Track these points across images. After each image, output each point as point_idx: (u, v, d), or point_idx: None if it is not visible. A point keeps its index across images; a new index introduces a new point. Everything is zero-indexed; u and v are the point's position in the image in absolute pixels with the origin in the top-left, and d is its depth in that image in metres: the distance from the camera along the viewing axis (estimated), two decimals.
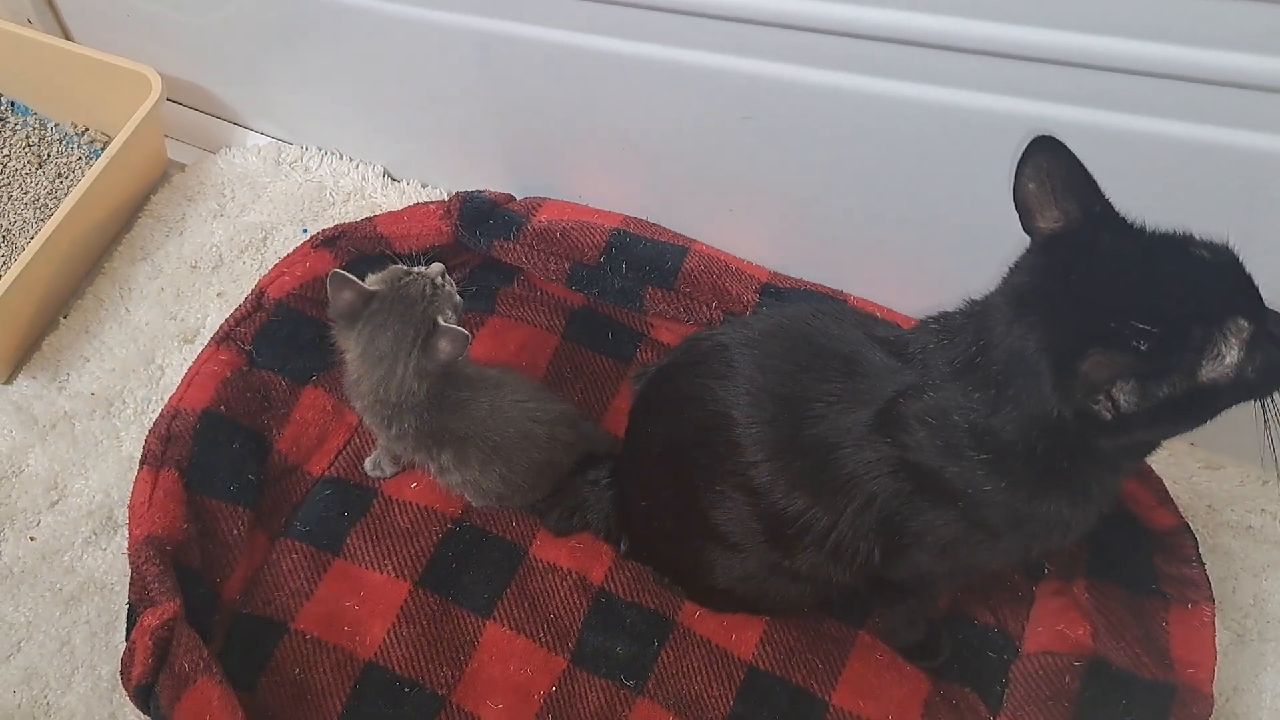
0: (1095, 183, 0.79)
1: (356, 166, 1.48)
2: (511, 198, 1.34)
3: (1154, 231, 0.78)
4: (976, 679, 1.10)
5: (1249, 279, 0.76)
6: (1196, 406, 0.75)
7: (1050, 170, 0.78)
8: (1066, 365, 0.73)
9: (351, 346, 1.07)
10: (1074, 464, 0.82)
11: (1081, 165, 0.78)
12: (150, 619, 1.01)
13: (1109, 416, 0.74)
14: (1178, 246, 0.77)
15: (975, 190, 1.06)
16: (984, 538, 0.89)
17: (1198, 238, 0.77)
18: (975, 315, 0.84)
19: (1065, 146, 0.78)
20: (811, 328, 0.94)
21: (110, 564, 1.20)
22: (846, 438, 0.88)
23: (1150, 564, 1.09)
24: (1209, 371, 0.72)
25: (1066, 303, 0.76)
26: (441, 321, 1.03)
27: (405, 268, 1.07)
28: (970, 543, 0.90)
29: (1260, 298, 0.76)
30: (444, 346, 1.03)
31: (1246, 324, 0.72)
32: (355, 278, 1.04)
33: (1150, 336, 0.70)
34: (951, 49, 0.95)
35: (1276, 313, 0.75)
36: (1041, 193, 0.79)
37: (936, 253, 1.16)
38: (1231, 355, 0.72)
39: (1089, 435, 0.77)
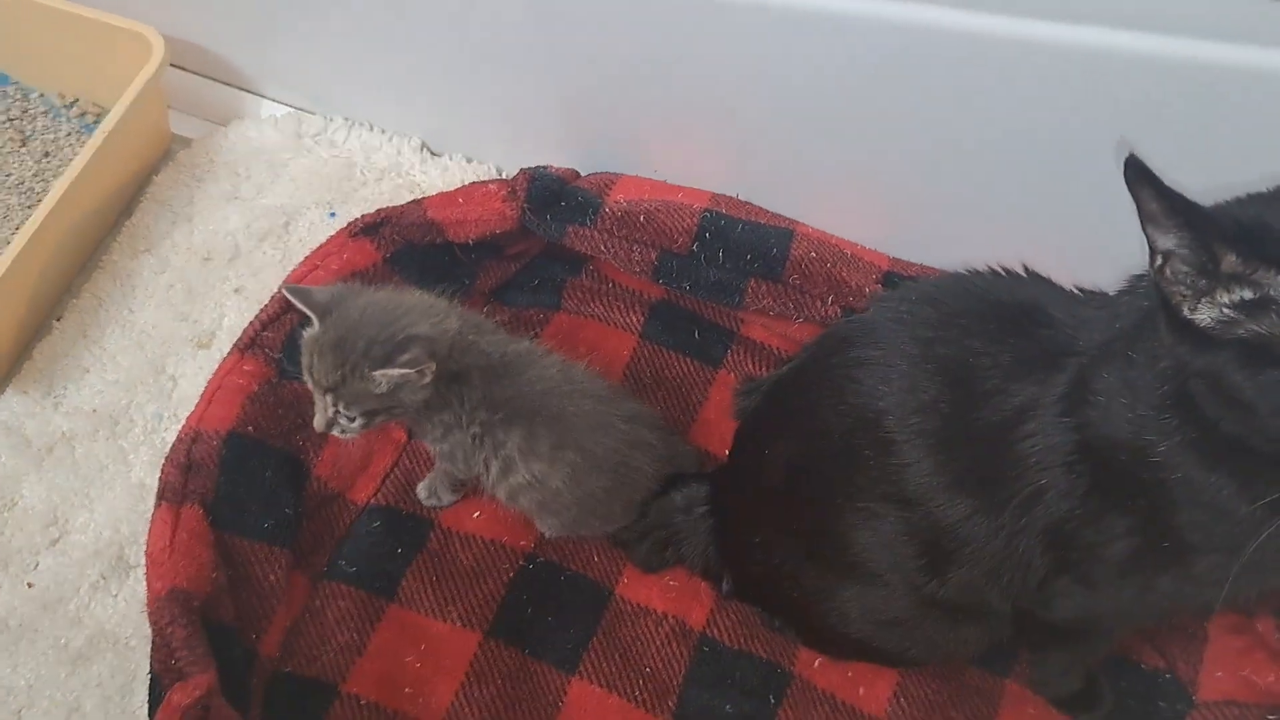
0: None
1: (390, 139, 1.38)
2: (576, 174, 1.21)
3: None
4: None
5: None
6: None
7: None
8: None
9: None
10: (1228, 416, 0.68)
11: None
12: (180, 697, 0.87)
13: (1186, 311, 0.64)
14: None
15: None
16: (1168, 557, 0.77)
17: None
18: None
19: None
20: (982, 284, 0.85)
21: (123, 614, 1.08)
22: (1026, 414, 0.77)
23: None
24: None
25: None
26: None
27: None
28: (1153, 564, 0.78)
29: None
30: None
31: None
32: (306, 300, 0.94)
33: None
34: None
35: None
36: None
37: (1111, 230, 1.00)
38: None
39: (1184, 346, 0.67)
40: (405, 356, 0.89)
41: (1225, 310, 0.63)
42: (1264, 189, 0.68)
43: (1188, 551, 0.75)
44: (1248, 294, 0.62)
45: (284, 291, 0.95)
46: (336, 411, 0.92)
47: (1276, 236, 0.61)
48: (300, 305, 0.93)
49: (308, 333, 0.93)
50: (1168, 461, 0.71)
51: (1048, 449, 0.76)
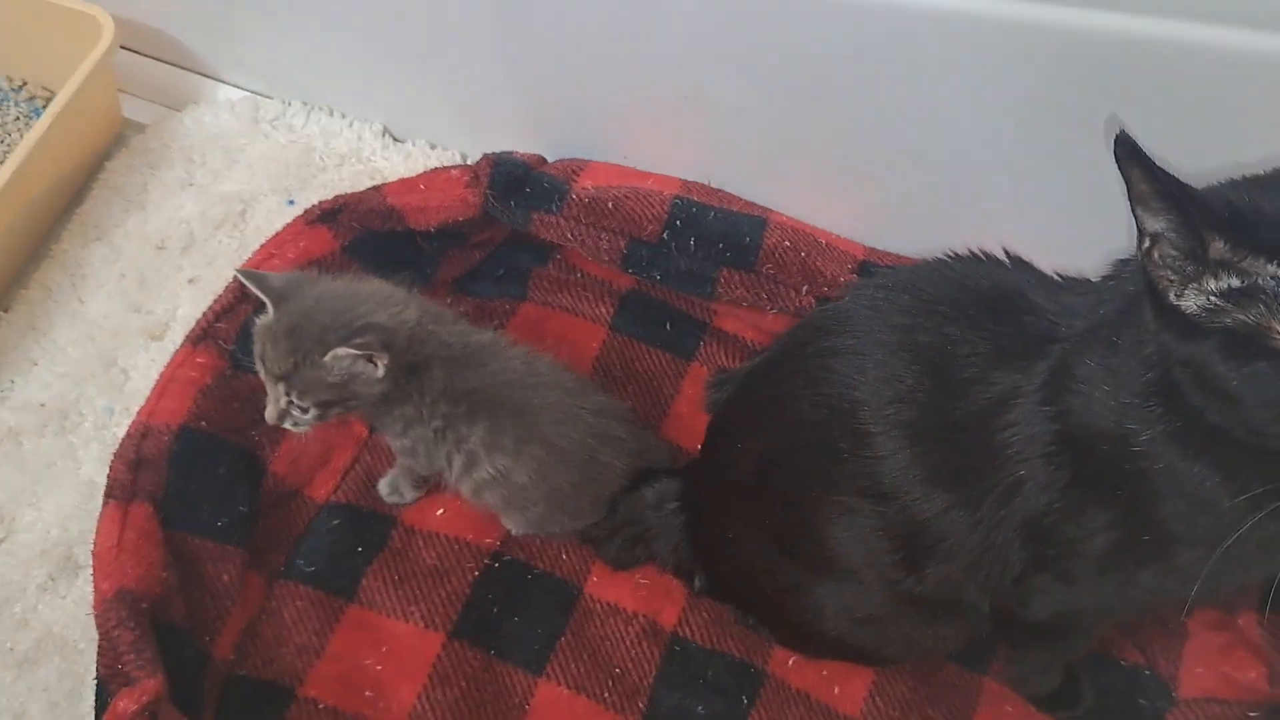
0: None
1: (351, 124, 1.35)
2: (543, 160, 1.19)
3: None
4: None
5: None
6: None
7: None
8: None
9: None
10: (1212, 407, 0.66)
11: None
12: (126, 703, 0.84)
13: (1172, 297, 0.63)
14: None
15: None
16: (1150, 551, 0.75)
17: None
18: None
19: None
20: (962, 270, 0.83)
21: (72, 615, 1.04)
22: (1006, 404, 0.75)
23: None
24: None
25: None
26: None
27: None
28: (1134, 558, 0.76)
29: None
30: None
31: None
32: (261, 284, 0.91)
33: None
34: None
35: None
36: None
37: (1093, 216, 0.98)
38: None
39: (1169, 333, 0.65)
40: (358, 340, 0.86)
41: (1212, 298, 0.61)
42: (1260, 172, 0.66)
43: (1170, 544, 0.73)
44: (1235, 282, 0.60)
45: (237, 275, 0.91)
46: (289, 402, 0.89)
47: (1269, 223, 0.59)
48: (254, 289, 0.90)
49: (261, 319, 0.90)
50: (1150, 451, 0.69)
51: (1028, 439, 0.74)
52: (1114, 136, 0.58)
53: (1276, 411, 0.61)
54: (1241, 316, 0.60)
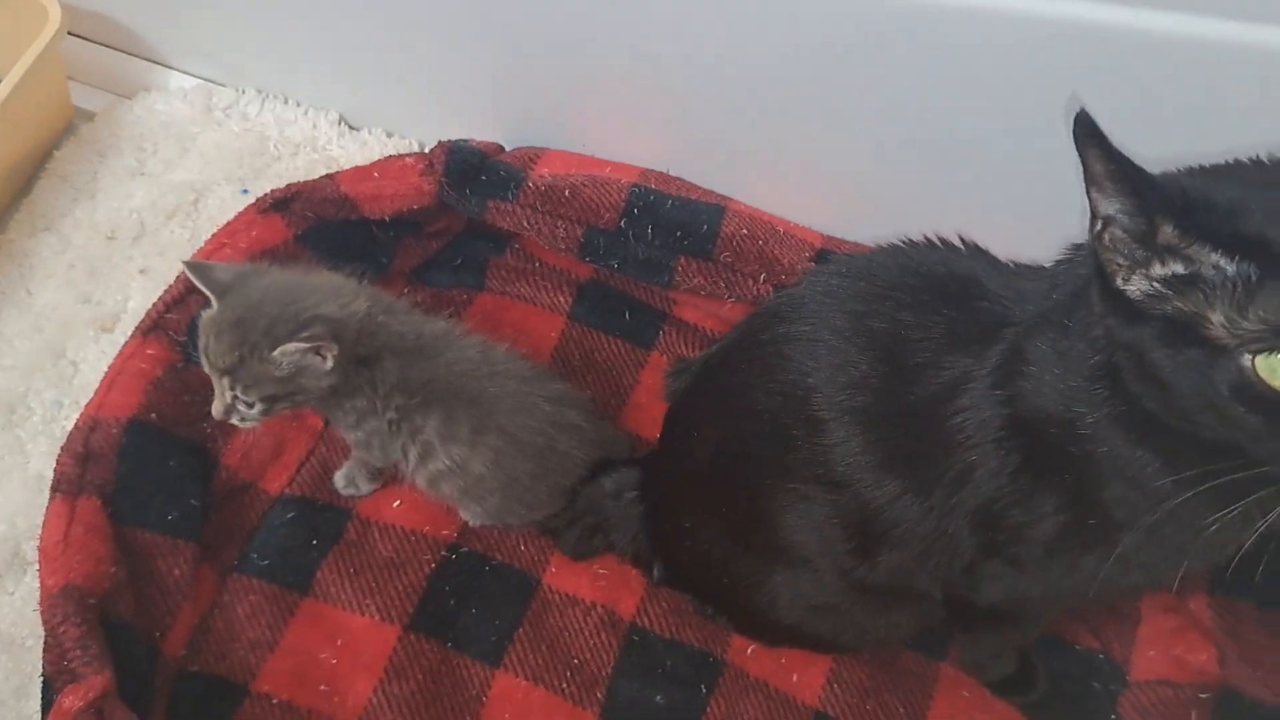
0: None
1: (306, 113, 1.34)
2: (501, 148, 1.17)
3: None
4: (1080, 714, 0.99)
5: None
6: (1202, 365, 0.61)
7: None
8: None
9: None
10: (1147, 393, 0.66)
11: None
12: (71, 700, 0.83)
13: (1119, 281, 0.63)
14: None
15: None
16: (1094, 536, 0.75)
17: None
18: None
19: None
20: (917, 256, 0.82)
21: (19, 612, 1.03)
22: (958, 388, 0.75)
23: None
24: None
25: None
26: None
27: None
28: (1079, 543, 0.76)
29: None
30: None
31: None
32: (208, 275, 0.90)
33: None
34: None
35: None
36: None
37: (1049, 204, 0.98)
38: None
39: (1114, 317, 0.65)
40: (306, 333, 0.84)
41: (1156, 284, 0.61)
42: (1220, 162, 0.66)
43: (1113, 530, 0.73)
44: (1179, 269, 0.60)
45: (184, 268, 0.89)
46: (235, 396, 0.87)
47: (1219, 212, 0.59)
48: (199, 283, 0.88)
49: (205, 313, 0.88)
50: (1095, 435, 0.69)
51: (979, 424, 0.74)
52: (1073, 116, 0.58)
53: (1204, 400, 0.61)
54: (1180, 304, 0.60)
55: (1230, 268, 0.58)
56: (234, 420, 0.90)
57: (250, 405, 0.88)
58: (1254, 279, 0.57)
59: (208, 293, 0.88)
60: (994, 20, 0.87)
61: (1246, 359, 0.58)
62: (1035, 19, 0.86)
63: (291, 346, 0.85)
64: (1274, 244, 0.57)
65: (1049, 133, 0.86)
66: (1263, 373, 0.58)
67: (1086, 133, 0.58)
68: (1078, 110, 0.58)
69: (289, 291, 0.88)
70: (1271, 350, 0.58)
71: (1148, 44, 0.84)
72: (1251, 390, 0.58)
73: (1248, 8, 0.79)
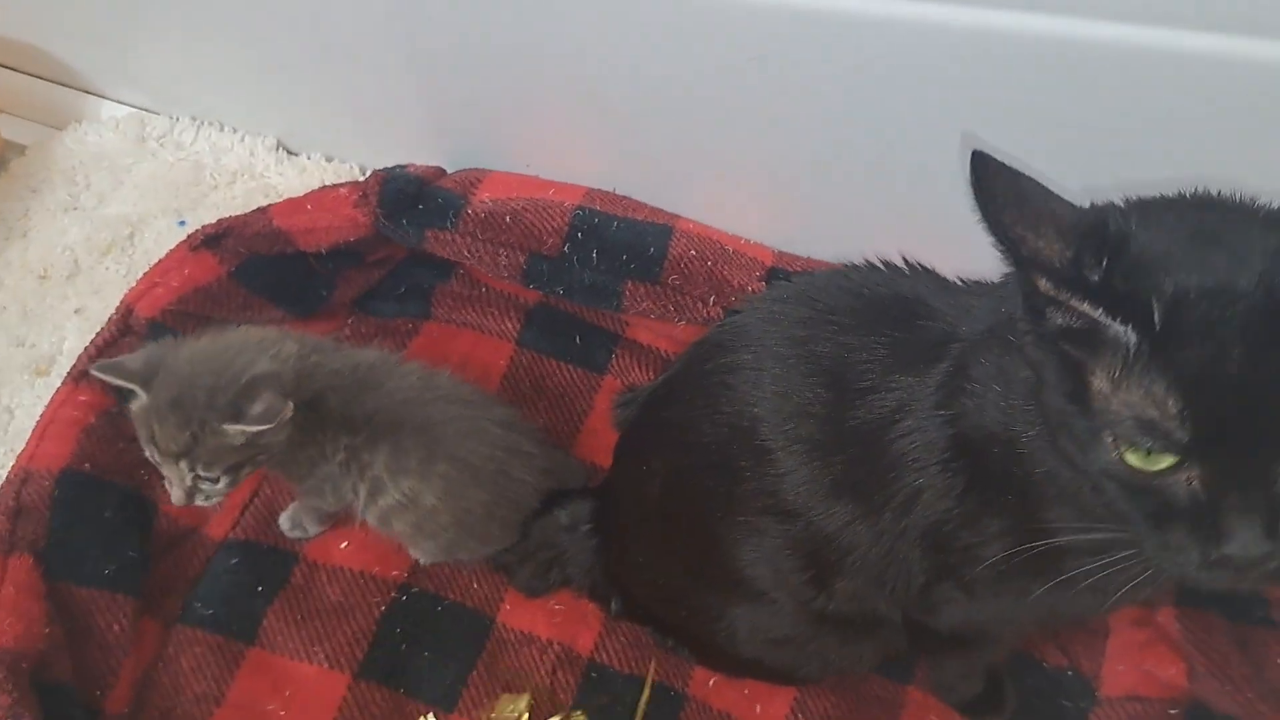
0: None
1: (242, 139, 1.32)
2: (442, 172, 1.15)
3: None
4: None
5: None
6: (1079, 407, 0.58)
7: None
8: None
9: None
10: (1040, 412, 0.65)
11: None
12: None
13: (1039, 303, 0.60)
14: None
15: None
16: (1043, 560, 0.72)
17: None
18: None
19: None
20: (859, 279, 0.81)
21: None
22: (903, 410, 0.74)
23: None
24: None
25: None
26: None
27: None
28: (1027, 567, 0.73)
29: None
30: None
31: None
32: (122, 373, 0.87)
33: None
34: None
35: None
36: None
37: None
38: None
39: (1031, 335, 0.63)
40: (258, 408, 0.82)
41: (1064, 320, 0.59)
42: (1162, 195, 0.63)
43: (1060, 553, 0.71)
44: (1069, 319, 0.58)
45: (93, 372, 0.87)
46: (196, 477, 0.85)
47: (1124, 261, 0.55)
48: (117, 381, 0.85)
49: (135, 405, 0.85)
50: (1033, 454, 0.67)
51: (925, 446, 0.73)
52: (969, 157, 0.56)
53: (1079, 444, 0.59)
54: (1070, 349, 0.58)
55: (1116, 329, 0.54)
56: (199, 501, 0.87)
57: (215, 481, 0.86)
58: (1131, 351, 0.54)
59: (130, 386, 0.85)
60: (944, 34, 0.85)
61: (1109, 437, 0.56)
62: (984, 32, 0.84)
63: (253, 429, 0.82)
64: (1161, 311, 0.53)
65: (1003, 149, 0.85)
66: (1130, 458, 0.56)
67: (972, 178, 0.57)
68: (972, 151, 0.57)
69: (216, 357, 0.85)
70: (1130, 445, 0.55)
71: (1106, 56, 0.82)
72: (1117, 469, 0.57)
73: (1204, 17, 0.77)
